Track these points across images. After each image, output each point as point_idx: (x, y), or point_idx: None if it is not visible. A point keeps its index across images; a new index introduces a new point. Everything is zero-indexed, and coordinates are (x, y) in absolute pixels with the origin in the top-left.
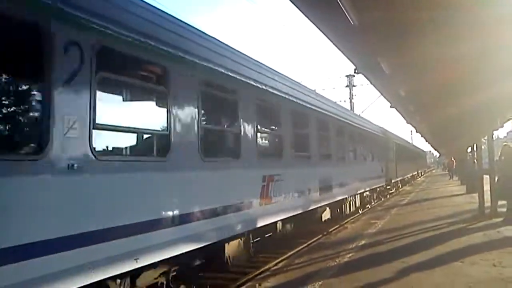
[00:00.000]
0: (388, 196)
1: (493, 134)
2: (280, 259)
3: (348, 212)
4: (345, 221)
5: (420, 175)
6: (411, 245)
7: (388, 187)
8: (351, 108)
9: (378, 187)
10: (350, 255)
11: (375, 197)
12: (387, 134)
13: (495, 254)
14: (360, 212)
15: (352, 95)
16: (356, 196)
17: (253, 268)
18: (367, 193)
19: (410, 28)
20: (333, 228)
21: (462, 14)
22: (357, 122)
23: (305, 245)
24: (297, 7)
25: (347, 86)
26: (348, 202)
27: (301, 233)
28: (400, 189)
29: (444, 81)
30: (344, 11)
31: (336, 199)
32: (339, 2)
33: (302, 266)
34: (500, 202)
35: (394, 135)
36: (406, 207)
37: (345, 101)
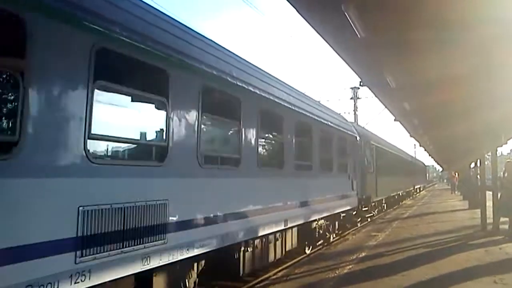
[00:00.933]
0: (361, 222)
1: (497, 151)
2: (279, 268)
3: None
4: (346, 232)
5: (418, 192)
6: (411, 259)
7: (365, 208)
8: (355, 121)
9: (345, 211)
10: (350, 266)
11: (336, 227)
12: (363, 133)
13: (497, 271)
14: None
15: (357, 107)
16: (291, 232)
17: (252, 276)
18: (322, 222)
19: (416, 45)
20: (334, 239)
21: (466, 34)
22: (303, 108)
23: (305, 255)
24: (305, 19)
25: (351, 98)
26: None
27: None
28: (386, 211)
29: (449, 97)
30: (352, 24)
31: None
32: (346, 14)
33: (302, 276)
34: (502, 219)
35: (373, 136)
36: (407, 220)
37: (349, 113)
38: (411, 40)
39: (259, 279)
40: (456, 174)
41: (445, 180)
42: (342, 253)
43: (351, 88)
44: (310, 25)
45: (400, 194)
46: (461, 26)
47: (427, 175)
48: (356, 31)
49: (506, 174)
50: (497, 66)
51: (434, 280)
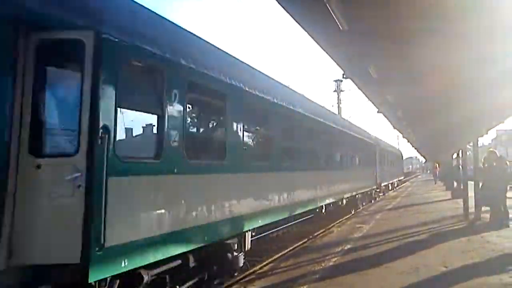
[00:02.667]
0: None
1: (478, 141)
2: (265, 262)
3: None
4: (331, 224)
5: (389, 189)
6: (395, 250)
7: None
8: (339, 113)
9: None
10: (335, 259)
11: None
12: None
13: (478, 259)
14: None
15: (340, 100)
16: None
17: (238, 271)
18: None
19: (398, 36)
20: (319, 232)
21: (448, 25)
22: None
23: (291, 248)
24: (286, 11)
25: (335, 91)
26: None
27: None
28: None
29: (431, 88)
30: (333, 16)
31: None
32: (329, 8)
33: (288, 270)
34: (484, 208)
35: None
36: (391, 211)
37: (333, 106)
38: (393, 31)
39: (245, 273)
40: (437, 165)
41: (428, 171)
42: (327, 245)
43: (334, 80)
44: (292, 17)
45: (343, 199)
46: (444, 16)
47: (411, 166)
48: (338, 23)
49: (486, 164)
50: (479, 58)
51: (418, 270)
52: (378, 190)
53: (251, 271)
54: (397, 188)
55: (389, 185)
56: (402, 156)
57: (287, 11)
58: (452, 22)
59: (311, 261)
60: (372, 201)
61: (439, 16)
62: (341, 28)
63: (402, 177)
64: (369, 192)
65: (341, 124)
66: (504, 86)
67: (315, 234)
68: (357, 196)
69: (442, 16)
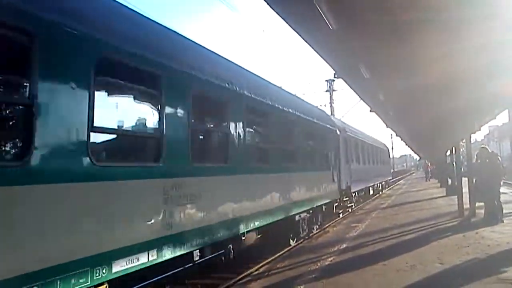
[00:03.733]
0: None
1: (471, 137)
2: (261, 264)
3: None
4: (327, 225)
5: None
6: (391, 248)
7: None
8: (331, 114)
9: None
10: (332, 258)
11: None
12: None
13: (473, 255)
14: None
15: (332, 100)
16: None
17: (234, 273)
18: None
19: (387, 31)
20: (315, 232)
21: (437, 17)
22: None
23: (287, 249)
24: (276, 12)
25: (327, 90)
26: None
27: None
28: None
29: (423, 85)
30: (323, 15)
31: None
32: (317, 7)
33: (284, 270)
34: (478, 204)
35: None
36: (386, 210)
37: (325, 106)
38: (383, 28)
39: (241, 275)
40: (429, 163)
41: (421, 169)
42: (323, 245)
43: (326, 80)
44: (282, 18)
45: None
46: (431, 8)
47: (406, 164)
48: (328, 23)
49: (479, 160)
50: (470, 50)
51: (414, 267)
52: (346, 200)
53: (247, 272)
54: (384, 190)
55: (370, 189)
56: (389, 152)
57: (276, 11)
58: (440, 13)
59: (308, 261)
60: (340, 215)
61: (427, 7)
62: (330, 27)
63: (389, 178)
64: (325, 207)
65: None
66: (494, 77)
67: (311, 234)
68: (298, 217)
69: (429, 8)
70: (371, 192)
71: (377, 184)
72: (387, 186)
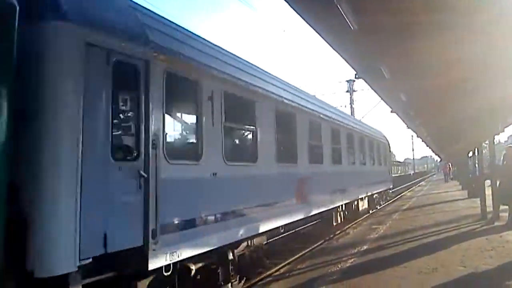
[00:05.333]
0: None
1: (494, 139)
2: (281, 265)
3: None
4: (347, 226)
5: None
6: (413, 250)
7: None
8: (351, 114)
9: None
10: (352, 260)
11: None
12: None
13: (497, 259)
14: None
15: (353, 100)
16: None
17: (254, 273)
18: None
19: (409, 32)
20: (335, 233)
21: (461, 18)
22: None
23: (307, 250)
24: (297, 12)
25: (347, 91)
26: None
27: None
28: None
29: (445, 85)
30: (343, 15)
31: None
32: (338, 7)
33: (305, 272)
34: (502, 207)
35: None
36: (407, 212)
37: (345, 106)
38: (404, 28)
39: (262, 276)
40: (450, 164)
41: (442, 171)
42: (343, 247)
43: (347, 81)
44: (303, 18)
45: None
46: (455, 8)
47: (427, 166)
48: (348, 23)
49: (505, 162)
50: (494, 51)
51: (436, 270)
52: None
53: (268, 273)
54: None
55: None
56: (389, 147)
57: (297, 11)
58: (464, 14)
59: (328, 263)
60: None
61: (450, 8)
62: (351, 27)
63: (388, 187)
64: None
65: None
66: None
67: (331, 235)
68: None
69: (453, 8)
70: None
71: (365, 198)
72: (386, 200)
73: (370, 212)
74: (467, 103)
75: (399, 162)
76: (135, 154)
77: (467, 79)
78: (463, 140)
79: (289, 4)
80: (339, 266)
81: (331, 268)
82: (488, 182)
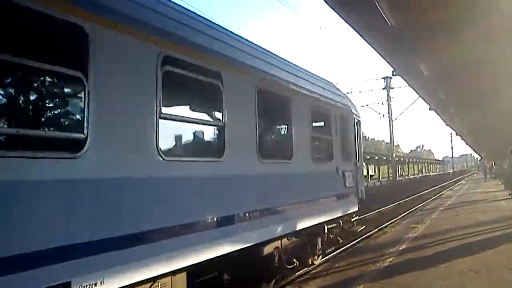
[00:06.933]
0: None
1: None
2: (318, 262)
3: None
4: (385, 224)
5: None
6: (453, 250)
7: None
8: (388, 112)
9: None
10: (391, 259)
11: None
12: None
13: None
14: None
15: (390, 97)
16: None
17: (291, 270)
18: None
19: (450, 27)
20: (372, 232)
21: (502, 11)
22: None
23: (344, 248)
24: (335, 11)
25: (384, 88)
26: None
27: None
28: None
29: (487, 81)
30: (382, 12)
31: None
32: (376, 4)
33: (342, 270)
34: None
35: None
36: (447, 211)
37: (382, 104)
38: (443, 24)
39: (298, 273)
40: (492, 162)
41: (482, 169)
42: (381, 246)
43: (383, 78)
44: (340, 16)
45: None
46: (495, 5)
47: (466, 164)
48: (387, 20)
49: None
50: None
51: (479, 272)
52: None
53: (305, 270)
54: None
55: None
56: (355, 120)
57: (339, 14)
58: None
59: (366, 261)
60: None
61: (490, 4)
62: (389, 24)
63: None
64: None
65: None
66: None
67: (368, 234)
68: None
69: (495, 3)
70: None
71: None
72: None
73: None
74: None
75: (438, 160)
76: None
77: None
78: (506, 137)
79: (328, 4)
80: (377, 265)
81: (369, 267)
82: None
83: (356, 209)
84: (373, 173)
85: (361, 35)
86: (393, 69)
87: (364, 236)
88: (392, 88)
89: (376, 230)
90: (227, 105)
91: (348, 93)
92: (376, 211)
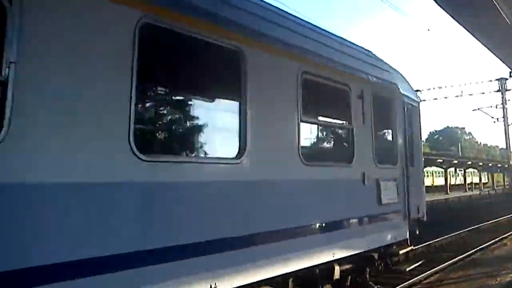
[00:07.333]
0: None
1: None
2: (430, 272)
3: None
4: (502, 236)
5: None
6: None
7: None
8: (503, 116)
9: None
10: None
11: None
12: None
13: None
14: None
15: (505, 100)
16: None
17: (398, 279)
18: None
19: None
20: (488, 243)
21: None
22: None
23: (457, 259)
24: (447, 12)
25: (498, 90)
26: None
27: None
28: None
29: None
30: (501, 11)
31: None
32: (496, 4)
33: (458, 282)
34: None
35: None
36: None
37: (496, 107)
38: None
39: (408, 282)
40: None
41: None
42: (500, 259)
43: (497, 79)
44: (453, 18)
45: None
46: None
47: None
48: (505, 17)
49: None
50: None
51: None
52: None
53: (415, 279)
54: None
55: None
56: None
57: (454, 18)
58: None
59: (484, 275)
60: None
61: None
62: (508, 22)
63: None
64: None
65: None
66: None
67: (483, 245)
68: None
69: None
70: None
71: None
72: None
73: None
74: None
75: None
76: None
77: None
78: None
79: (441, 7)
80: (498, 279)
81: (488, 281)
82: None
83: (404, 236)
84: (486, 181)
85: (474, 36)
86: (510, 70)
87: (479, 248)
88: (508, 90)
89: (492, 241)
90: (355, 113)
91: (457, 96)
92: (491, 221)
